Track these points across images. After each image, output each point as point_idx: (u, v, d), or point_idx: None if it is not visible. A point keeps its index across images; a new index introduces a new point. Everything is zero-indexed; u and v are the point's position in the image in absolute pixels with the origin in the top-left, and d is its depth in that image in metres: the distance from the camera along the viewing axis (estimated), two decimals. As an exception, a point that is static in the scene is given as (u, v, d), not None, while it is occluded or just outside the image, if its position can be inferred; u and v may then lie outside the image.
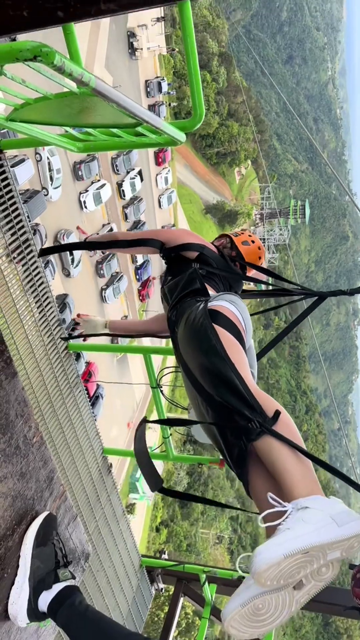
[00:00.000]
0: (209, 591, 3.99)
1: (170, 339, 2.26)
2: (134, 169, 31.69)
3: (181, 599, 4.24)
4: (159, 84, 37.80)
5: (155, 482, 1.91)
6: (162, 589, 4.54)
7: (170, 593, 4.54)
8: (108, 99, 1.29)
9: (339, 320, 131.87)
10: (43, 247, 2.64)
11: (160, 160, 37.91)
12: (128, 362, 30.97)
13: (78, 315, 3.07)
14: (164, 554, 4.79)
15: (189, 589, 4.23)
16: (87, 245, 2.67)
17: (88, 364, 24.25)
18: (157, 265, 34.99)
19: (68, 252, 22.43)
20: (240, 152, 63.23)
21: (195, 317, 1.87)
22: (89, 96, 1.38)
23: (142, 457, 1.94)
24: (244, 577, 1.27)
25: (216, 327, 1.78)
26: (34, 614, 1.54)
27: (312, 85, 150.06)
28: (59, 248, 2.63)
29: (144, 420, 2.06)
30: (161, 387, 3.45)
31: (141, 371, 30.64)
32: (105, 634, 1.50)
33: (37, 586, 1.55)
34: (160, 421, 2.16)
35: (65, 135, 2.16)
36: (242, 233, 2.74)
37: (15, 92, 1.51)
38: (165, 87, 39.07)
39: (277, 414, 1.53)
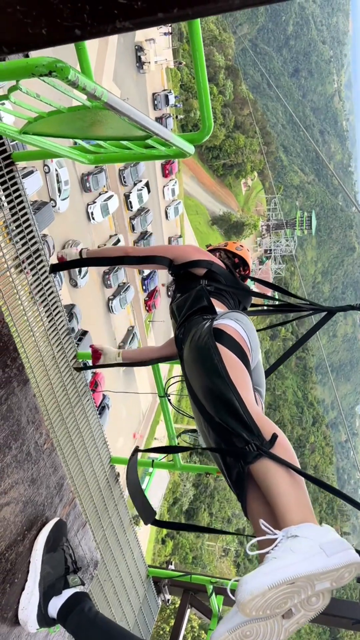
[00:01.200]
0: (216, 602, 3.96)
1: None
2: (141, 181, 31.95)
3: (188, 610, 4.20)
4: (166, 96, 38.20)
5: (147, 514, 1.89)
6: (168, 600, 4.50)
7: (177, 605, 4.50)
8: (120, 113, 1.32)
9: (345, 332, 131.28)
10: (54, 264, 2.67)
11: (167, 172, 38.21)
12: (134, 372, 30.97)
13: (91, 347, 3.10)
14: (171, 564, 4.76)
15: (195, 600, 4.19)
16: (97, 261, 2.69)
17: (95, 373, 24.27)
18: (163, 274, 35.09)
19: (76, 263, 22.53)
20: (247, 163, 63.62)
21: (200, 336, 1.87)
22: (100, 110, 1.42)
23: (134, 488, 1.92)
24: None
25: (220, 346, 1.78)
26: (44, 619, 1.54)
27: (318, 97, 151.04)
28: (70, 264, 2.66)
29: (136, 450, 2.05)
30: (169, 396, 3.46)
31: (147, 381, 30.62)
32: (115, 640, 1.51)
33: (47, 592, 1.56)
34: (154, 449, 2.11)
35: (76, 147, 2.20)
36: (226, 244, 2.79)
37: (29, 106, 1.55)
38: (172, 100, 39.47)
39: (274, 437, 1.52)
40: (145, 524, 1.90)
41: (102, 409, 24.28)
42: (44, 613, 1.54)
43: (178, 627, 4.07)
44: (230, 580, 4.16)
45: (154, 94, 37.42)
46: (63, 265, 2.67)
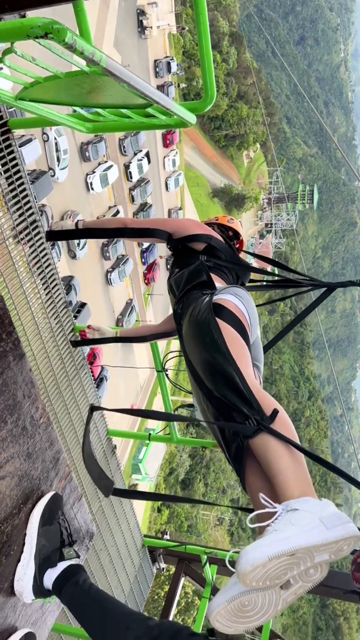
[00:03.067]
0: (209, 572, 4.05)
1: None
2: (141, 151, 31.41)
3: (182, 579, 4.30)
4: (168, 64, 37.23)
5: (105, 485, 1.88)
6: (163, 568, 4.61)
7: (171, 573, 4.61)
8: (119, 79, 1.27)
9: (344, 308, 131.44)
10: (50, 231, 2.62)
11: (168, 142, 37.54)
12: (132, 346, 31.07)
13: (89, 327, 3.07)
14: (166, 534, 4.86)
15: (190, 569, 4.29)
16: (94, 233, 2.63)
17: (93, 347, 24.34)
18: (162, 247, 34.86)
19: (74, 235, 22.34)
20: (249, 135, 62.48)
21: (200, 311, 1.85)
22: (99, 75, 1.37)
23: (89, 458, 1.90)
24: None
25: (219, 321, 1.76)
26: (39, 590, 1.56)
27: (323, 67, 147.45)
28: (66, 235, 2.60)
29: (92, 408, 2.02)
30: (167, 371, 3.46)
31: (145, 354, 30.74)
32: (109, 612, 1.53)
33: (43, 564, 1.58)
34: (122, 410, 2.08)
35: (74, 115, 2.13)
36: (216, 218, 2.76)
37: (24, 70, 1.49)
38: (174, 68, 38.49)
39: (275, 412, 1.52)
40: (106, 496, 1.89)
41: (100, 380, 24.45)
42: (39, 584, 1.56)
43: (172, 594, 4.18)
44: (225, 550, 4.25)
45: (155, 60, 36.46)
46: (59, 234, 2.62)
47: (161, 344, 3.67)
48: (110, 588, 3.82)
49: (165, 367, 3.48)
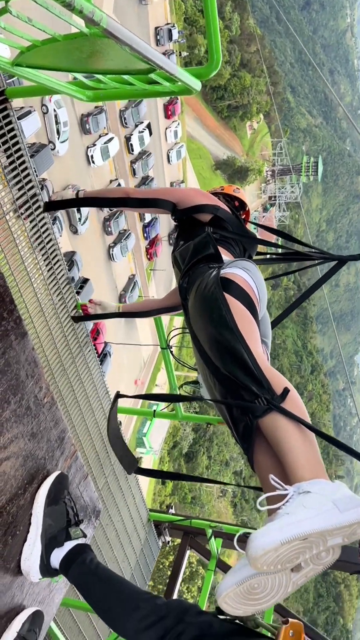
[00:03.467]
0: (214, 545, 4.10)
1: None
2: (142, 122, 30.81)
3: (187, 552, 4.36)
4: (170, 31, 36.20)
5: (129, 463, 1.86)
6: (168, 541, 4.67)
7: (176, 544, 4.68)
8: (120, 41, 1.19)
9: (348, 281, 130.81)
10: (48, 202, 2.54)
11: (169, 113, 36.78)
12: (136, 322, 31.09)
13: (90, 301, 3.02)
14: (171, 508, 4.91)
15: (195, 542, 4.34)
16: (95, 202, 2.56)
17: (96, 322, 24.35)
18: (165, 223, 34.54)
19: (76, 209, 22.15)
20: (253, 105, 61.15)
21: (207, 286, 1.78)
22: (99, 38, 1.29)
23: (115, 437, 1.88)
24: (249, 534, 1.24)
25: (227, 296, 1.70)
26: (46, 570, 1.56)
27: (329, 33, 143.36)
28: (66, 204, 2.54)
29: (118, 396, 1.99)
30: (171, 347, 3.43)
31: (149, 329, 30.80)
32: (116, 592, 1.53)
33: (49, 543, 1.57)
34: (140, 396, 2.03)
35: (74, 82, 2.04)
36: (222, 187, 2.68)
37: (21, 32, 1.40)
38: (175, 35, 37.44)
39: (285, 391, 1.48)
40: (129, 473, 1.87)
41: (104, 356, 24.54)
42: (46, 564, 1.55)
43: (178, 567, 4.24)
44: (230, 524, 4.29)
45: (156, 28, 35.45)
46: (58, 204, 2.53)
47: (165, 319, 3.63)
48: (116, 561, 3.87)
49: (170, 344, 3.44)
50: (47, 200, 2.64)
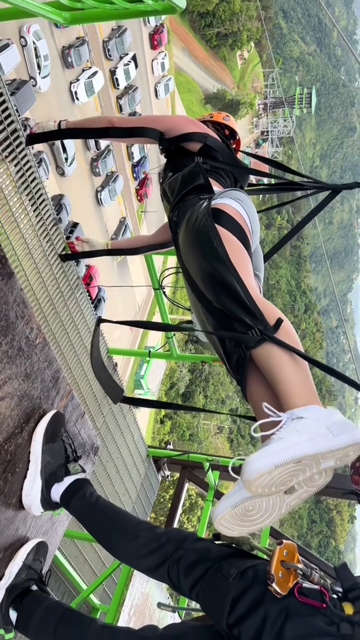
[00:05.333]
0: (212, 477, 4.26)
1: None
2: (127, 54, 29.19)
3: (186, 485, 4.53)
4: None
5: (115, 393, 1.86)
6: (167, 475, 4.84)
7: (175, 478, 4.86)
8: None
9: (342, 219, 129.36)
10: (31, 134, 2.42)
11: (155, 42, 34.81)
12: (128, 265, 30.84)
13: (77, 238, 2.93)
14: (169, 444, 5.06)
15: (193, 475, 4.51)
16: (79, 133, 2.43)
17: (88, 267, 24.12)
18: (154, 160, 33.52)
19: (61, 150, 21.41)
20: (243, 32, 57.81)
21: (197, 217, 1.73)
22: None
23: (99, 367, 1.87)
24: (244, 459, 1.28)
25: (219, 228, 1.66)
26: (47, 503, 1.61)
27: None
28: (49, 135, 2.41)
29: (100, 321, 1.96)
30: (164, 288, 3.40)
31: (142, 273, 30.62)
32: (117, 523, 1.58)
33: (49, 479, 1.61)
34: (126, 322, 1.99)
35: (51, 3, 1.89)
36: (211, 115, 2.57)
37: None
38: None
39: (279, 321, 1.47)
40: (114, 403, 1.89)
41: (98, 301, 24.50)
42: (47, 498, 1.60)
43: (177, 500, 4.42)
44: (227, 457, 4.44)
45: None
46: (40, 136, 2.42)
47: (157, 260, 3.57)
48: (118, 496, 4.02)
49: (162, 285, 3.41)
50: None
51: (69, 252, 2.95)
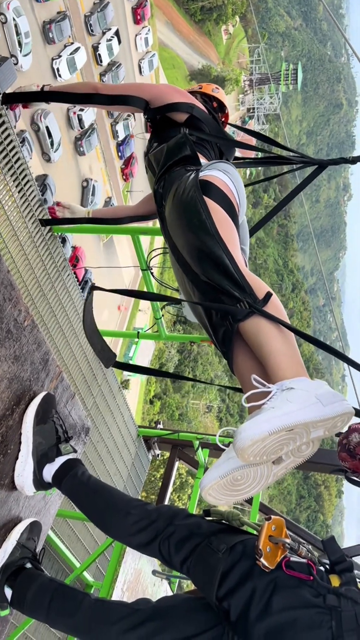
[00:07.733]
0: (202, 455, 4.31)
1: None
2: (110, 29, 28.48)
3: (176, 463, 4.59)
4: None
5: (107, 357, 1.87)
6: (158, 454, 4.90)
7: (166, 457, 4.91)
8: None
9: (328, 197, 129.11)
10: (7, 93, 2.33)
11: (138, 17, 33.97)
12: (115, 246, 30.60)
13: (58, 204, 2.88)
14: (159, 424, 5.11)
15: (183, 454, 4.57)
16: (61, 96, 2.35)
17: (74, 248, 23.90)
18: (140, 142, 33.02)
19: (47, 134, 21.02)
20: (228, 5, 56.62)
21: (185, 189, 1.70)
22: None
23: (92, 331, 1.88)
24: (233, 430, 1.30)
25: (207, 200, 1.63)
26: (40, 483, 1.62)
27: None
28: (28, 96, 2.31)
29: (93, 288, 1.96)
30: (151, 269, 3.39)
31: (129, 254, 30.40)
32: (108, 501, 1.60)
33: (41, 460, 1.62)
34: (118, 291, 2.00)
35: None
36: (200, 86, 2.52)
37: None
38: None
39: (268, 295, 1.48)
40: (106, 367, 1.89)
41: (85, 283, 24.32)
42: (39, 478, 1.61)
43: (168, 478, 4.48)
44: (216, 435, 4.50)
45: None
46: (19, 96, 2.32)
47: (144, 241, 3.55)
48: (109, 475, 4.07)
49: (150, 265, 3.39)
50: (14, 122, 2.44)
51: (49, 218, 2.90)
